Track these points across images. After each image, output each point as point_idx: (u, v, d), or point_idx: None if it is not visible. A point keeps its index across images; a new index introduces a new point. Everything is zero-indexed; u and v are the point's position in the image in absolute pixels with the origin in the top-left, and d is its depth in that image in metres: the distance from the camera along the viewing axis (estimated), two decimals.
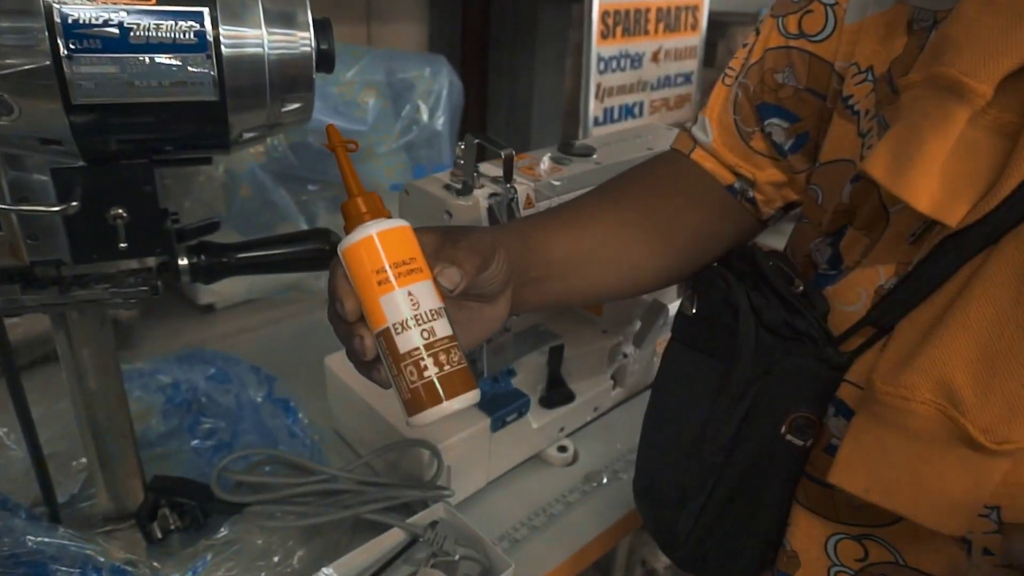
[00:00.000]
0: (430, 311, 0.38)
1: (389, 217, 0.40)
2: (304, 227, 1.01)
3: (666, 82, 1.30)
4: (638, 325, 0.78)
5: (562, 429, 0.74)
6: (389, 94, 1.02)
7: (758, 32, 0.54)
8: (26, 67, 0.39)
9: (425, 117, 1.03)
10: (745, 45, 0.55)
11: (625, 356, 0.78)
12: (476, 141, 0.56)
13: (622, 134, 0.76)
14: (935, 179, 0.35)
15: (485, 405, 0.66)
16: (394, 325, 0.37)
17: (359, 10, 1.36)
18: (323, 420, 0.73)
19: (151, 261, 0.51)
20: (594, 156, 0.67)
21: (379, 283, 0.38)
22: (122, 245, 0.47)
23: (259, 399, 0.70)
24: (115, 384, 0.56)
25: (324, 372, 0.71)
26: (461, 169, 0.57)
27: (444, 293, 0.39)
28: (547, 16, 1.30)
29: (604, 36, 1.14)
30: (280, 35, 0.45)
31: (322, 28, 0.48)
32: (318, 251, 0.56)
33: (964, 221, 0.36)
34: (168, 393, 0.68)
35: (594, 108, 1.18)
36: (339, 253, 0.40)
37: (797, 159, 0.52)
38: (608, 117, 1.21)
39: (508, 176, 0.57)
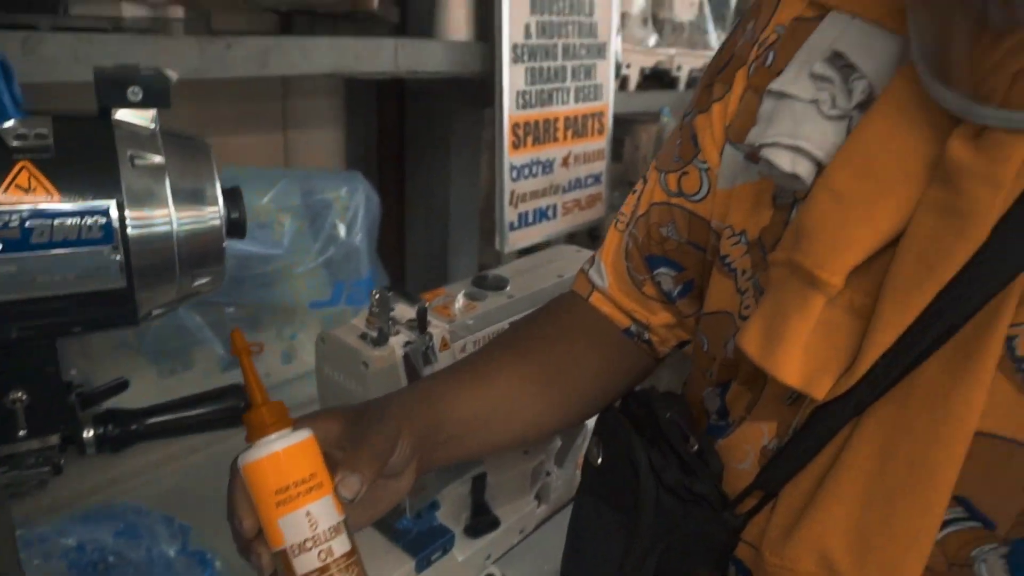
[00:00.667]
0: (328, 529, 0.38)
1: (292, 426, 0.40)
2: (219, 350, 0.99)
3: (577, 184, 1.36)
4: (559, 443, 0.79)
5: (489, 556, 0.74)
6: (306, 214, 1.03)
7: (645, 180, 0.57)
8: None
9: (343, 234, 1.05)
10: (634, 192, 0.58)
11: (548, 475, 0.79)
12: (391, 296, 0.58)
13: (534, 260, 0.79)
14: (801, 356, 0.39)
15: (409, 546, 0.65)
16: (291, 547, 0.38)
17: (275, 119, 1.37)
18: (246, 572, 0.70)
19: (54, 438, 0.50)
20: (507, 289, 0.70)
21: (278, 504, 0.38)
22: (21, 432, 0.45)
23: (172, 553, 0.67)
24: (11, 563, 0.53)
25: None
26: (376, 317, 0.58)
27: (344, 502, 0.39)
28: (461, 121, 1.35)
29: (515, 146, 1.19)
30: (189, 212, 0.45)
31: (232, 197, 0.49)
32: (232, 409, 0.55)
33: (831, 393, 0.39)
34: (71, 557, 0.65)
35: (509, 214, 1.22)
36: (239, 466, 0.40)
37: (684, 304, 0.56)
38: (523, 221, 1.25)
39: (422, 328, 0.58)
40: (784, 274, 0.41)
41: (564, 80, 1.24)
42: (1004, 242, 0.36)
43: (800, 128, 0.42)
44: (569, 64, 1.24)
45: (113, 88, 0.44)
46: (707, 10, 1.74)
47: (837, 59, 0.42)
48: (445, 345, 0.61)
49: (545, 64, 1.19)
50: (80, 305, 0.43)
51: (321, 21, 1.15)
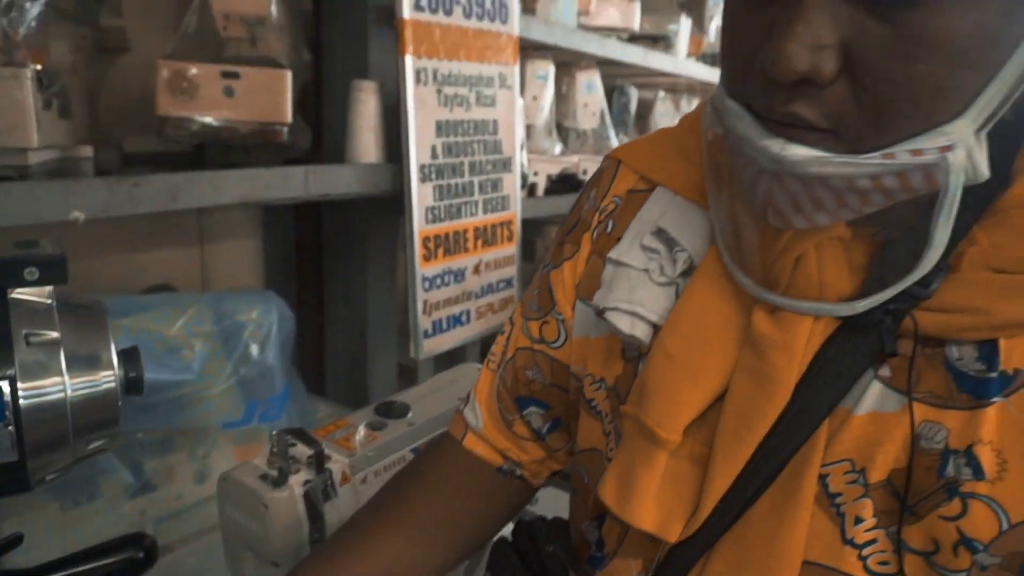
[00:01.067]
0: None
1: None
2: (127, 478, 0.98)
3: (489, 289, 1.41)
4: (466, 563, 0.81)
5: None
6: (220, 337, 1.04)
7: (512, 323, 0.62)
8: None
9: (256, 354, 1.06)
10: (503, 333, 0.63)
11: None
12: (288, 438, 0.60)
13: (437, 383, 0.82)
14: (653, 504, 0.44)
15: None
16: None
17: (191, 233, 1.39)
18: None
19: None
20: (408, 415, 0.73)
21: None
22: None
23: None
24: None
25: None
26: (276, 457, 0.60)
27: None
28: (375, 232, 1.40)
29: (426, 258, 1.24)
30: (83, 378, 0.48)
31: (128, 358, 0.52)
32: (131, 560, 0.56)
33: (682, 535, 0.44)
34: None
35: (423, 322, 1.26)
36: None
37: (554, 439, 0.60)
38: (437, 328, 1.30)
39: (319, 469, 0.61)
40: (632, 427, 0.46)
41: (472, 194, 1.31)
42: (805, 399, 0.43)
43: (635, 294, 0.48)
44: (476, 179, 1.31)
45: (9, 270, 0.46)
46: (607, 118, 1.87)
47: (662, 233, 0.49)
48: (345, 479, 0.64)
49: (452, 181, 1.26)
50: None
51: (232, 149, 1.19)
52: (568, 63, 1.79)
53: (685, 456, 0.45)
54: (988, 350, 0.41)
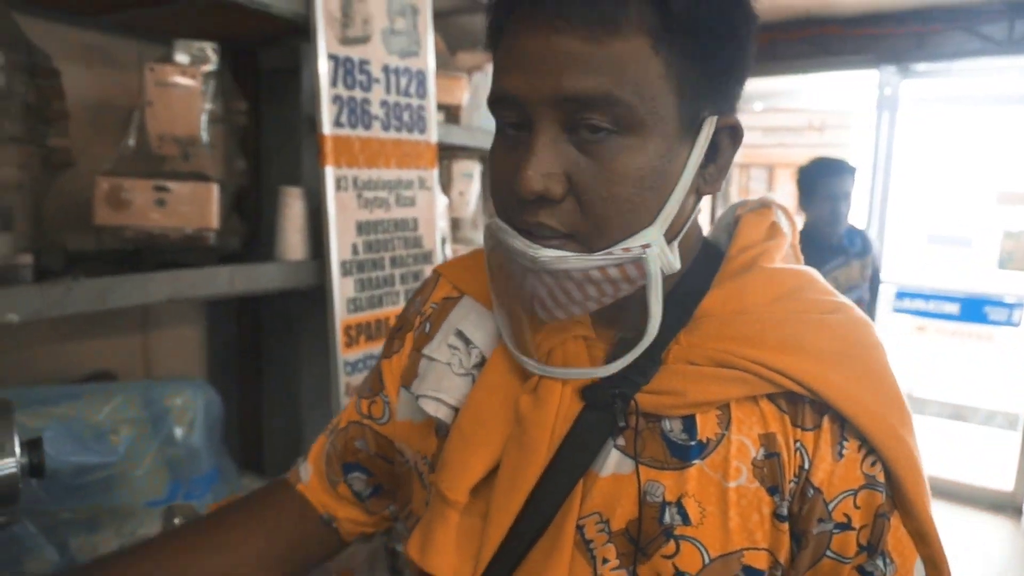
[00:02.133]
0: None
1: None
2: (54, 556, 1.06)
3: None
4: None
5: None
6: (148, 420, 1.14)
7: (349, 400, 0.75)
8: None
9: (181, 437, 1.16)
10: (344, 409, 0.75)
11: None
12: (173, 511, 0.70)
13: None
14: (450, 555, 0.56)
15: None
16: None
17: (134, 323, 1.50)
18: None
19: None
20: None
21: None
22: None
23: None
24: None
25: None
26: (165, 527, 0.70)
27: None
28: (307, 319, 1.52)
29: (348, 345, 1.36)
30: None
31: (32, 446, 0.62)
32: None
33: None
34: None
35: (345, 403, 1.36)
36: None
37: (374, 503, 0.72)
38: None
39: None
40: (434, 492, 0.58)
41: (393, 284, 1.44)
42: (563, 464, 0.55)
43: (441, 383, 0.61)
44: (397, 271, 1.45)
45: None
46: None
47: (460, 334, 0.62)
48: None
49: (374, 274, 1.39)
50: None
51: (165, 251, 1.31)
52: None
53: (476, 514, 0.56)
54: (689, 423, 0.54)
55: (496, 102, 0.53)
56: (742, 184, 4.70)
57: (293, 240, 1.31)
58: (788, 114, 4.59)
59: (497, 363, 0.59)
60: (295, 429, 1.57)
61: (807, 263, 0.64)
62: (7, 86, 0.96)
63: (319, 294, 1.35)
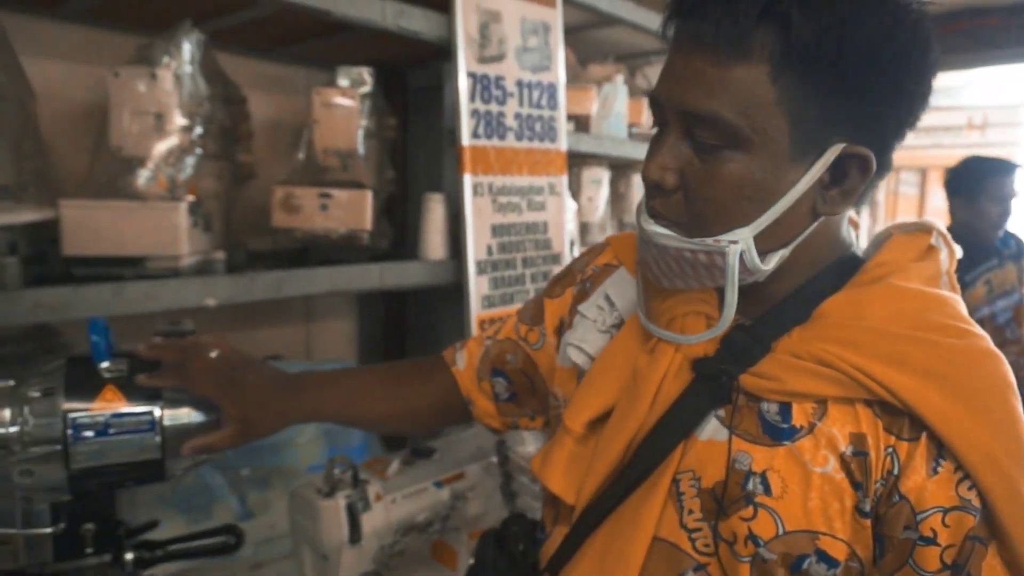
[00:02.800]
0: None
1: None
2: (235, 506, 1.25)
3: None
4: None
5: None
6: None
7: (508, 319, 0.87)
8: (45, 450, 0.67)
9: None
10: (502, 320, 0.87)
11: None
12: (335, 463, 0.84)
13: (461, 435, 1.05)
14: (560, 473, 0.67)
15: None
16: None
17: (299, 312, 1.71)
18: None
19: (107, 557, 0.76)
20: (435, 455, 0.96)
21: None
22: (88, 550, 0.72)
23: None
24: None
25: None
26: (328, 478, 0.84)
27: None
28: (447, 313, 1.66)
29: None
30: (201, 410, 0.74)
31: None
32: (225, 544, 0.80)
33: (578, 501, 0.65)
34: None
35: None
36: None
37: (506, 407, 0.84)
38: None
39: (355, 484, 0.84)
40: (557, 420, 0.70)
41: (524, 284, 1.55)
42: (670, 423, 0.63)
43: (586, 336, 0.73)
44: (528, 271, 1.56)
45: (165, 336, 0.74)
46: None
47: (608, 297, 0.74)
48: (379, 498, 0.87)
49: (506, 273, 1.51)
50: (132, 469, 0.71)
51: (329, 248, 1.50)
52: (624, 166, 2.03)
53: (587, 445, 0.67)
54: (785, 409, 0.60)
55: (650, 102, 0.63)
56: (890, 188, 4.44)
57: (435, 241, 1.46)
58: (944, 112, 4.29)
59: (630, 325, 0.69)
60: None
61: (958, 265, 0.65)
62: (211, 113, 1.16)
63: (457, 290, 1.48)
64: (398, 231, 1.60)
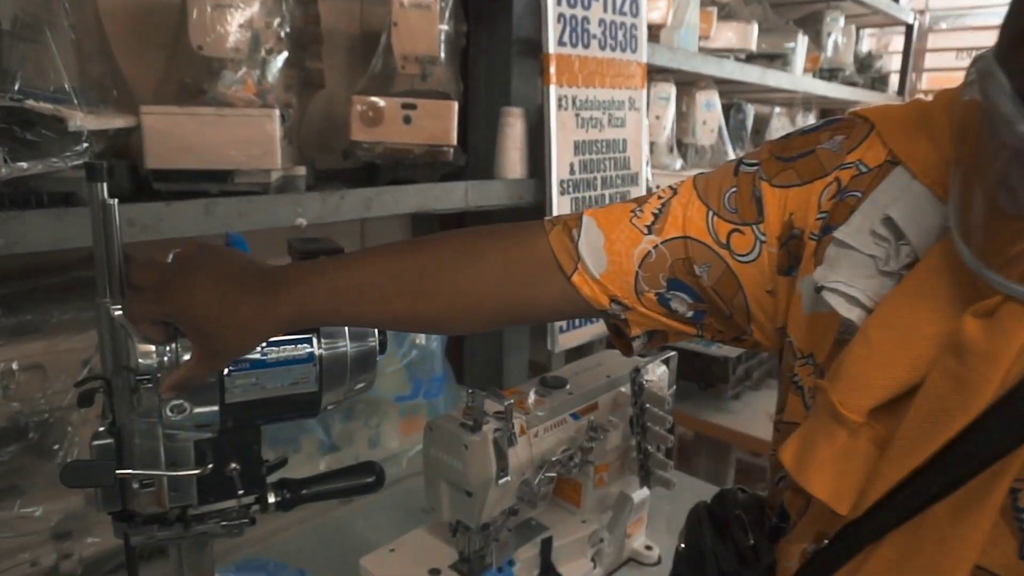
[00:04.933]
0: None
1: None
2: (321, 436, 1.19)
3: None
4: (611, 514, 0.96)
5: None
6: None
7: (675, 191, 0.59)
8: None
9: (423, 340, 1.25)
10: (660, 198, 0.59)
11: (602, 541, 0.95)
12: (484, 396, 0.77)
13: (584, 365, 0.98)
14: (828, 474, 0.47)
15: None
16: None
17: (355, 235, 1.62)
18: None
19: (251, 499, 0.69)
20: (567, 387, 0.89)
21: None
22: (240, 492, 0.65)
23: None
24: None
25: (360, 573, 0.87)
26: (471, 411, 0.77)
27: None
28: None
29: None
30: (356, 340, 0.66)
31: (382, 334, 0.69)
32: (367, 484, 0.73)
33: (853, 511, 0.46)
34: None
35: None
36: None
37: (683, 323, 0.60)
38: (571, 325, 1.45)
39: (508, 419, 0.77)
40: (822, 401, 0.48)
41: (604, 204, 1.46)
42: (1011, 415, 0.41)
43: (857, 278, 0.49)
44: (607, 192, 1.46)
45: (302, 258, 0.65)
46: (725, 135, 1.98)
47: (890, 222, 0.49)
48: (523, 431, 0.80)
49: (587, 194, 1.41)
50: (287, 403, 0.63)
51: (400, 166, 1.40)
52: (688, 84, 1.92)
53: (868, 438, 0.46)
54: None
55: None
56: None
57: (512, 159, 1.36)
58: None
59: (934, 267, 0.45)
60: (496, 347, 1.65)
61: None
62: (286, 12, 1.03)
63: (537, 213, 1.39)
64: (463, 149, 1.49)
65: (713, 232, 0.56)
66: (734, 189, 0.57)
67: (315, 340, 0.62)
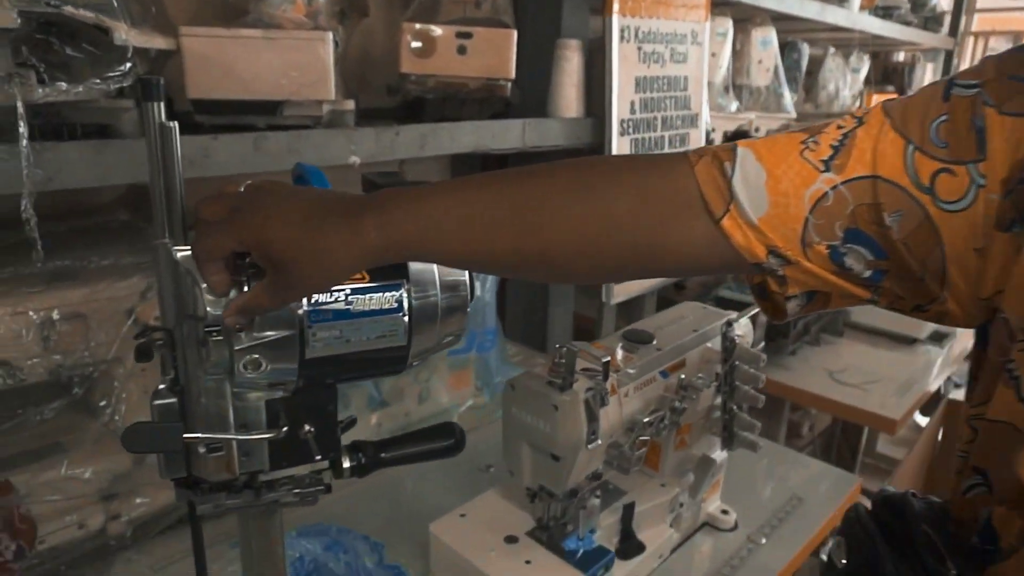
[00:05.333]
0: None
1: None
2: (371, 391, 1.12)
3: None
4: (691, 478, 0.89)
5: None
6: None
7: (861, 121, 0.47)
8: (278, 336, 0.51)
9: (478, 291, 1.17)
10: (841, 127, 0.48)
11: (682, 505, 0.89)
12: (576, 350, 0.69)
13: (666, 317, 0.90)
14: None
15: (579, 563, 0.76)
16: None
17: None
18: None
19: (325, 464, 0.62)
20: (654, 342, 0.81)
21: None
22: (317, 457, 0.58)
23: (370, 566, 0.79)
24: (279, 565, 0.65)
25: (428, 538, 0.81)
26: (561, 368, 0.70)
27: None
28: None
29: None
30: (448, 292, 0.58)
31: (471, 282, 0.61)
32: (447, 447, 0.66)
33: None
34: (296, 567, 0.77)
35: None
36: None
37: (858, 284, 0.48)
38: None
39: (605, 376, 0.69)
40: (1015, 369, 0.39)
41: (663, 148, 1.36)
42: None
43: None
44: (667, 134, 1.37)
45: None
46: (781, 75, 1.86)
47: None
48: (614, 390, 0.73)
49: (647, 135, 1.32)
50: (373, 358, 0.55)
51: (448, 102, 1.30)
52: (743, 20, 1.79)
53: None
54: None
55: None
56: (976, 59, 4.09)
57: (568, 96, 1.25)
58: None
59: None
60: (540, 301, 1.57)
61: None
62: None
63: (594, 154, 1.30)
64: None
65: (912, 171, 0.44)
66: (944, 117, 0.44)
67: (404, 288, 0.54)
